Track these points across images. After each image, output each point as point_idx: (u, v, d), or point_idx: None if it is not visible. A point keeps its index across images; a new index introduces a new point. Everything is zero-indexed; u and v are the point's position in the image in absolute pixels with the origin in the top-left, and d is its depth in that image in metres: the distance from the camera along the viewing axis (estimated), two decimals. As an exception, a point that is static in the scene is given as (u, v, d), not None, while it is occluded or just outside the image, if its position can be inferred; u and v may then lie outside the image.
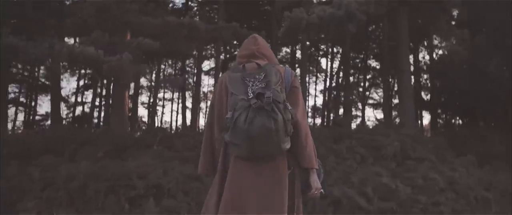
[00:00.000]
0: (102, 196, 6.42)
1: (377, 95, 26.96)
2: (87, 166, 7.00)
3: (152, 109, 18.92)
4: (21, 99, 20.55)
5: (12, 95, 19.17)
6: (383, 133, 9.77)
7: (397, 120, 14.31)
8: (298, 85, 2.15)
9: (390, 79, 24.23)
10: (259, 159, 1.95)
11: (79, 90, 21.60)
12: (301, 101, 2.12)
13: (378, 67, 24.67)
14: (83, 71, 20.37)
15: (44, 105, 36.31)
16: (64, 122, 18.52)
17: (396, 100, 21.63)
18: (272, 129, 1.83)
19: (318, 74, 28.59)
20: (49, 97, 18.62)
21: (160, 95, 24.56)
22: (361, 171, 7.89)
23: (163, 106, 25.90)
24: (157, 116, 24.03)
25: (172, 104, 26.18)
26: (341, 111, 20.99)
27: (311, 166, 2.06)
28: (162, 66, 22.86)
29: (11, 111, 19.80)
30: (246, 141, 1.86)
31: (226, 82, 2.09)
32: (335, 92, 23.80)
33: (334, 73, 25.32)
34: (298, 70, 17.11)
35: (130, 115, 14.48)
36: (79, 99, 22.04)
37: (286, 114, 1.90)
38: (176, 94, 24.73)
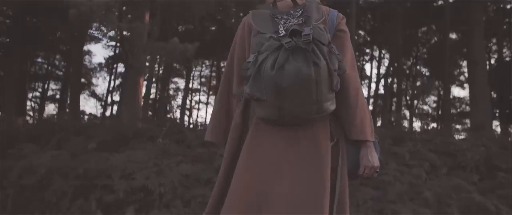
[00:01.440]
0: (67, 200, 4.54)
1: (426, 105, 24.65)
2: (58, 158, 5.16)
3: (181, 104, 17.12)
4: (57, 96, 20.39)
5: (51, 92, 19.96)
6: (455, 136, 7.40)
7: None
8: (346, 30, 1.62)
9: (440, 87, 22.04)
10: (291, 124, 1.44)
11: (113, 88, 20.52)
12: (351, 50, 1.58)
13: (427, 73, 22.51)
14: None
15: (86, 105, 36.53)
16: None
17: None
18: (312, 77, 1.33)
19: (362, 81, 26.93)
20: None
21: (196, 98, 23.40)
22: (434, 184, 5.63)
23: (198, 109, 24.38)
24: (190, 116, 22.50)
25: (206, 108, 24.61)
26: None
27: (364, 138, 1.52)
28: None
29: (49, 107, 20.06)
30: (273, 93, 1.35)
31: (250, 20, 1.60)
32: (382, 100, 21.83)
33: (381, 77, 23.23)
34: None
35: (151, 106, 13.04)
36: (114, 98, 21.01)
37: (332, 60, 1.40)
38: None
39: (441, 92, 23.04)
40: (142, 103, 10.66)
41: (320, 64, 1.35)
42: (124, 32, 9.50)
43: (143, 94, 10.31)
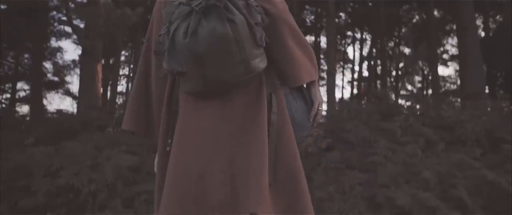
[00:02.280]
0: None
1: (411, 86, 24.19)
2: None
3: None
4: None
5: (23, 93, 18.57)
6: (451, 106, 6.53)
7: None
8: None
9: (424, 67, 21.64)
10: (222, 92, 1.31)
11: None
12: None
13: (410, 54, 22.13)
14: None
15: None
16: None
17: (429, 91, 18.74)
18: (230, 36, 1.20)
19: (344, 64, 26.38)
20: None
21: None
22: (432, 162, 4.73)
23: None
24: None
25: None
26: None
27: (310, 78, 1.44)
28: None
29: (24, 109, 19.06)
30: (192, 63, 1.23)
31: None
32: (367, 82, 21.21)
33: (364, 59, 22.57)
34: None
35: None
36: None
37: (252, 13, 1.27)
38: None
39: (425, 72, 22.48)
40: (101, 91, 9.62)
41: (236, 20, 1.22)
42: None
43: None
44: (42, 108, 14.12)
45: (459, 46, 9.33)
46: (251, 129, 1.28)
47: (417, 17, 21.30)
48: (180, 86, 1.36)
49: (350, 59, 26.53)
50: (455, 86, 22.05)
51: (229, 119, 1.30)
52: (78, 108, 12.59)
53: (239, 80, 1.26)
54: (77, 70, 20.21)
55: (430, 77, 18.58)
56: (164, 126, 1.39)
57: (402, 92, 22.95)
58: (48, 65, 17.73)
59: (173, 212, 1.24)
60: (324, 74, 18.86)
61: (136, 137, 5.70)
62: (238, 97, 1.31)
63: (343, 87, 25.33)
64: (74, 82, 27.60)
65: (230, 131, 1.29)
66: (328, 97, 9.22)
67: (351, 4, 21.06)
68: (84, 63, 9.24)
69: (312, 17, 22.18)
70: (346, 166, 4.82)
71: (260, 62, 1.28)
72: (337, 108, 8.57)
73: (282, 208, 1.31)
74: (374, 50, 22.72)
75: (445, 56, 21.59)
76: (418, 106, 7.27)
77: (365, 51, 23.75)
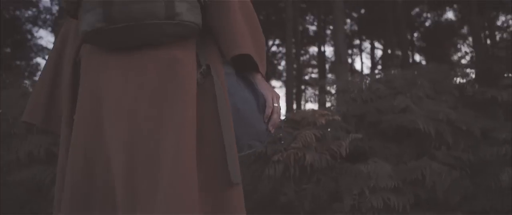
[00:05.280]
0: None
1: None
2: None
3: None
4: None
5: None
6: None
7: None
8: None
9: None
10: (133, 43, 1.00)
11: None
12: None
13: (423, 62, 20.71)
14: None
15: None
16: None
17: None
18: None
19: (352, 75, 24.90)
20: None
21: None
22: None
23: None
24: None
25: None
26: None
27: (247, 51, 1.05)
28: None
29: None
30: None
31: None
32: None
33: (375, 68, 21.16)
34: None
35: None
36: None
37: None
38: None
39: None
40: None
41: None
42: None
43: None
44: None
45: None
46: (163, 103, 0.94)
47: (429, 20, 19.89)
48: (79, 29, 1.00)
49: (358, 71, 24.94)
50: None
51: (136, 84, 0.97)
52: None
53: (160, 33, 0.96)
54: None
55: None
56: (67, 104, 1.07)
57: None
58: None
59: (67, 211, 0.95)
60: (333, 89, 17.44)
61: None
62: (154, 55, 0.98)
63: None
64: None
65: (137, 101, 0.96)
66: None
67: (359, 10, 19.87)
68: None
69: (315, 25, 21.02)
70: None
71: (188, 12, 0.98)
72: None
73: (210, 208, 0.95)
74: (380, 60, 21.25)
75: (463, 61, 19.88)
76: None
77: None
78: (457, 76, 4.74)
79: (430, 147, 2.99)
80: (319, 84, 10.60)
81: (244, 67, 1.09)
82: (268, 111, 1.05)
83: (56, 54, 1.19)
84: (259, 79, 1.08)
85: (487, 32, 16.96)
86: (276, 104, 1.06)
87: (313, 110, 3.46)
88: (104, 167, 0.95)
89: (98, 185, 0.96)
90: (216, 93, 0.97)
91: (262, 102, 1.05)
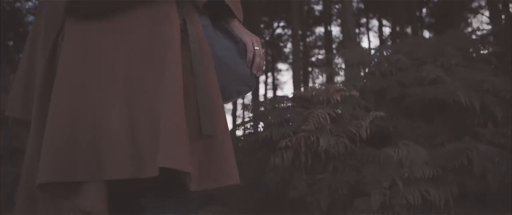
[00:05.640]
0: None
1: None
2: None
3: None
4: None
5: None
6: None
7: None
8: None
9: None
10: (116, 8, 1.02)
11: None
12: None
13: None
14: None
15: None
16: None
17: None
18: None
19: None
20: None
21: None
22: None
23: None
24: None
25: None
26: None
27: (233, 8, 1.12)
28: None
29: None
30: None
31: None
32: None
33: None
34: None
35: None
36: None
37: None
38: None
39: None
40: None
41: None
42: None
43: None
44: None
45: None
46: (158, 58, 0.98)
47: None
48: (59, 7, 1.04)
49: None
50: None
51: (126, 45, 1.01)
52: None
53: None
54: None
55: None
56: (39, 93, 1.04)
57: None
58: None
59: (51, 178, 0.90)
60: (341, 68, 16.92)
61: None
62: (138, 16, 1.01)
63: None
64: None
65: (128, 60, 0.99)
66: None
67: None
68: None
69: (321, 4, 20.42)
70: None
71: None
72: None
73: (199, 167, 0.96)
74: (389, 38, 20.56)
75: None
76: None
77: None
78: (485, 44, 4.18)
79: (472, 124, 2.44)
80: (328, 57, 10.02)
81: (221, 16, 1.10)
82: (249, 55, 1.08)
83: (30, 45, 1.18)
84: (235, 25, 1.11)
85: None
86: (256, 48, 1.09)
87: (326, 86, 2.92)
88: (88, 128, 0.94)
89: (82, 146, 0.94)
90: (190, 47, 0.99)
91: (242, 47, 1.08)
